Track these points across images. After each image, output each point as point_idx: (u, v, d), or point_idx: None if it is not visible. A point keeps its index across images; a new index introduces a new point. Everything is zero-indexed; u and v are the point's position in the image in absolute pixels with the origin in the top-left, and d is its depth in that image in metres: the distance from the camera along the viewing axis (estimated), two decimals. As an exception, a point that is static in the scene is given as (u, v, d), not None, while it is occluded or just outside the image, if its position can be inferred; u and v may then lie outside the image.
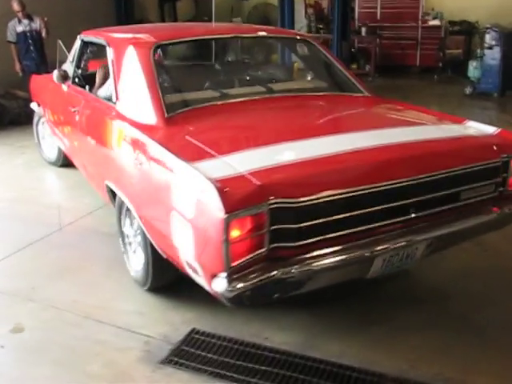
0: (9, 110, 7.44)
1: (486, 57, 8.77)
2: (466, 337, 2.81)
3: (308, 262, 2.32)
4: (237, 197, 2.15)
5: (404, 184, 2.51)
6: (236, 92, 3.66)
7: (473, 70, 9.00)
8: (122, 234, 3.36)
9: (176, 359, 2.65)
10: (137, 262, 3.20)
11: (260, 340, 2.80)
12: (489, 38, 8.69)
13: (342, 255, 2.39)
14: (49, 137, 5.46)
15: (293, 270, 2.28)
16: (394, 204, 2.52)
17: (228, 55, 5.09)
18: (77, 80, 4.35)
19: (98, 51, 4.50)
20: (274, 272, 2.24)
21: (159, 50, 3.97)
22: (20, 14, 7.06)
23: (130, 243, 3.30)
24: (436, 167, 2.63)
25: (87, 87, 4.22)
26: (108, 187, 3.36)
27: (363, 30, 10.60)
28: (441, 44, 10.62)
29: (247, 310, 3.01)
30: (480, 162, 2.77)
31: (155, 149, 2.75)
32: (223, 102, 3.37)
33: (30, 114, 5.83)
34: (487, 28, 8.72)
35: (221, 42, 4.74)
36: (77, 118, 3.96)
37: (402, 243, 2.54)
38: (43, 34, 7.15)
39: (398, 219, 2.57)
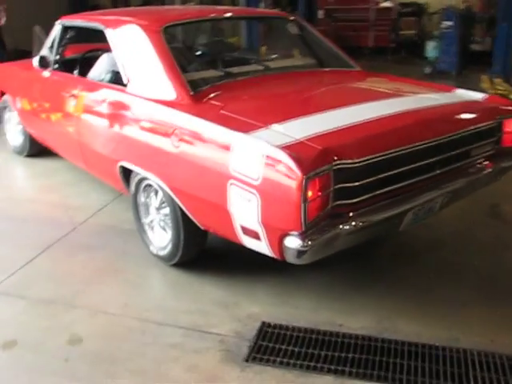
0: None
1: (443, 37, 9.00)
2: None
3: (364, 216, 2.52)
4: (309, 160, 2.32)
5: (431, 143, 2.76)
6: (247, 69, 3.74)
7: (431, 50, 9.23)
8: (138, 214, 3.40)
9: (259, 356, 2.52)
10: (160, 238, 3.26)
11: (335, 327, 2.72)
12: (445, 19, 8.91)
13: (389, 210, 2.62)
14: (14, 126, 5.26)
15: (356, 224, 2.47)
16: (425, 162, 2.76)
17: (223, 35, 5.03)
18: (60, 65, 4.28)
19: (80, 36, 4.45)
20: (341, 226, 2.44)
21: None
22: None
23: (150, 221, 3.34)
24: (452, 128, 2.91)
25: (76, 72, 4.19)
26: (122, 169, 3.34)
27: (320, 12, 10.62)
28: (393, 25, 10.81)
29: (311, 300, 2.94)
30: (483, 123, 3.06)
31: (199, 124, 2.77)
32: (241, 79, 3.44)
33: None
34: (443, 9, 8.94)
35: (216, 23, 4.71)
36: (73, 103, 3.78)
37: (431, 196, 2.79)
38: (1, 22, 6.64)
39: (427, 175, 2.80)
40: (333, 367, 2.45)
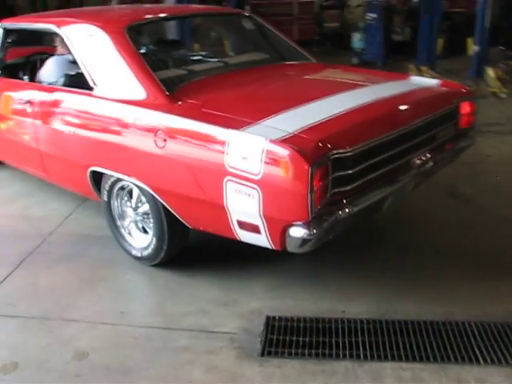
0: None
1: (368, 29, 9.32)
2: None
3: (356, 201, 2.62)
4: (311, 151, 2.38)
5: (409, 128, 2.91)
6: (212, 66, 3.74)
7: (357, 41, 9.54)
8: (113, 218, 3.33)
9: (273, 349, 2.54)
10: (140, 239, 3.23)
11: (338, 314, 2.78)
12: (369, 11, 9.24)
13: (376, 194, 2.75)
14: None
15: (350, 209, 2.56)
16: (404, 146, 2.89)
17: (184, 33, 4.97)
18: (3, 71, 4.06)
19: (22, 39, 4.26)
20: (340, 212, 2.53)
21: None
22: None
23: (127, 224, 3.29)
24: (425, 112, 3.07)
25: (26, 77, 4.02)
26: (92, 174, 3.26)
27: (247, 8, 10.66)
28: (317, 18, 11.07)
29: (307, 291, 2.98)
30: (446, 107, 3.26)
31: (187, 124, 2.74)
32: (210, 76, 3.42)
33: None
34: (368, 2, 9.26)
35: (179, 22, 4.68)
36: (29, 110, 3.59)
37: (408, 179, 2.94)
38: None
39: (404, 159, 2.93)
40: (347, 352, 2.51)
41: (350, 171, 2.55)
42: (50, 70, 3.80)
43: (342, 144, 2.52)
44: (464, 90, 3.55)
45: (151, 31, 4.69)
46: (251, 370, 2.40)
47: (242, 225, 2.63)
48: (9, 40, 4.14)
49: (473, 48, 8.50)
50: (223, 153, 2.55)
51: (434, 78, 4.29)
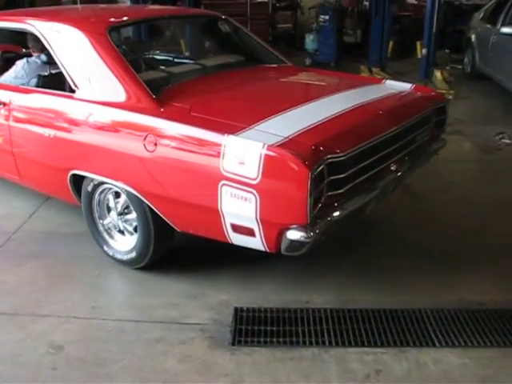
0: None
1: (321, 30, 9.55)
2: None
3: (346, 204, 2.69)
4: (309, 156, 2.44)
5: (394, 132, 2.99)
6: (192, 68, 3.73)
7: (310, 42, 9.74)
8: (94, 222, 3.29)
9: (243, 338, 2.66)
10: (125, 243, 3.20)
11: (302, 305, 2.92)
12: (322, 13, 9.46)
13: (363, 197, 2.83)
14: None
15: (341, 212, 2.63)
16: (389, 149, 2.97)
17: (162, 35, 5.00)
18: None
19: None
20: (334, 215, 2.60)
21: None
22: None
23: (110, 228, 3.28)
24: (407, 116, 3.17)
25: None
26: (72, 178, 3.20)
27: (201, 8, 10.70)
28: (270, 19, 11.23)
29: (272, 283, 3.11)
30: (424, 110, 3.37)
31: (179, 128, 2.73)
32: (192, 79, 3.43)
33: None
34: (321, 4, 9.48)
35: (158, 24, 4.73)
36: (2, 112, 3.49)
37: (390, 181, 3.03)
38: None
39: (388, 162, 3.02)
40: (313, 340, 2.66)
41: (342, 175, 2.62)
42: (22, 71, 3.68)
43: (335, 148, 2.59)
44: (433, 94, 3.71)
45: (129, 33, 4.70)
46: (223, 358, 2.51)
47: (236, 228, 2.65)
48: None
49: (421, 51, 8.85)
50: (218, 157, 2.56)
51: (385, 78, 4.46)
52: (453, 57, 10.17)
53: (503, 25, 7.53)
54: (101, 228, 3.29)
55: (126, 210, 3.16)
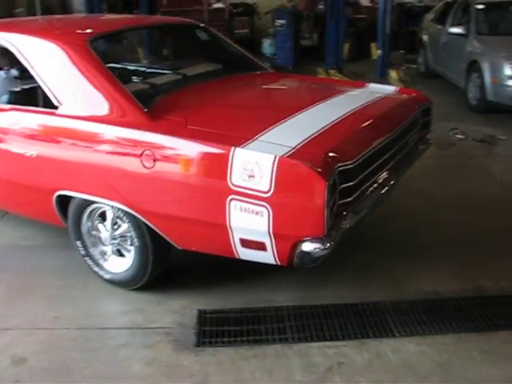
0: None
1: (278, 35, 9.67)
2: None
3: (355, 213, 2.66)
4: (323, 166, 2.38)
5: (393, 135, 3.01)
6: (175, 78, 3.64)
7: (268, 47, 9.86)
8: (84, 243, 3.10)
9: (207, 339, 2.69)
10: (119, 264, 3.06)
11: (265, 303, 2.97)
12: (278, 18, 9.58)
13: (368, 202, 2.79)
14: None
15: (351, 220, 2.60)
16: (389, 153, 2.98)
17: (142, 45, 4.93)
18: None
19: None
20: (347, 224, 2.57)
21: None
22: None
23: (101, 249, 3.11)
24: (402, 120, 3.19)
25: None
26: (58, 199, 3.02)
27: (158, 15, 10.71)
28: (227, 25, 11.30)
29: (235, 285, 3.15)
30: (414, 113, 3.42)
31: (179, 143, 2.63)
32: (180, 89, 3.34)
33: None
34: (276, 9, 9.61)
35: (137, 34, 4.66)
36: None
37: (389, 185, 2.98)
38: None
39: (388, 167, 3.00)
40: (276, 337, 2.71)
41: (351, 183, 2.57)
42: None
43: (344, 156, 2.54)
44: (417, 95, 3.71)
45: (111, 44, 4.62)
46: (188, 359, 2.54)
47: (246, 243, 2.57)
48: None
49: (376, 52, 9.06)
50: (225, 171, 2.47)
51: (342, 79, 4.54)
52: (408, 57, 10.45)
53: (451, 25, 7.80)
54: (91, 250, 3.11)
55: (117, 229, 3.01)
